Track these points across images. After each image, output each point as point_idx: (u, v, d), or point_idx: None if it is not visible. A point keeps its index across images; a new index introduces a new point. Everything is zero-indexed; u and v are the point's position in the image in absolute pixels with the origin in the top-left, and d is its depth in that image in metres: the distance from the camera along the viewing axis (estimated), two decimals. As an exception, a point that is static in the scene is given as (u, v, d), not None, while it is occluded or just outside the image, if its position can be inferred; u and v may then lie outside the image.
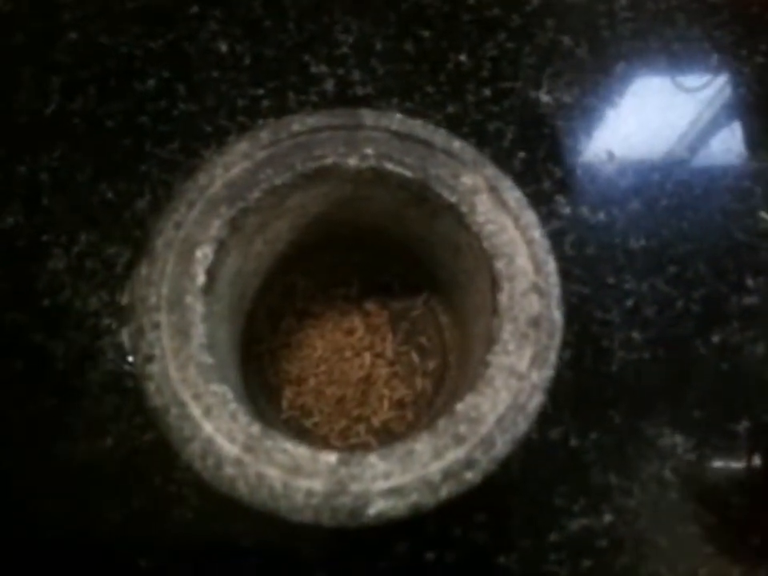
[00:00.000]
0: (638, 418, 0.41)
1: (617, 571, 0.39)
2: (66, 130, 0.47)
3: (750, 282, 0.45)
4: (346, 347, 0.38)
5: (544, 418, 0.40)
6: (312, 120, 0.31)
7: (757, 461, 0.41)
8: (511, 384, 0.28)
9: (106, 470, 0.39)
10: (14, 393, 0.40)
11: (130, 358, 0.41)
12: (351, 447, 0.36)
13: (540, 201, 0.46)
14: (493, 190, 0.31)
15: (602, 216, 0.46)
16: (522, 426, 0.27)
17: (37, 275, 0.43)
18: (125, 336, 0.41)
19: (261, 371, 0.37)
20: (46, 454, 0.39)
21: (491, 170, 0.31)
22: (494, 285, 0.29)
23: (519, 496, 0.40)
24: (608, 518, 0.39)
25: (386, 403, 0.37)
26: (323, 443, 0.36)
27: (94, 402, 0.40)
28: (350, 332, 0.38)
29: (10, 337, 0.42)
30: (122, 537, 0.38)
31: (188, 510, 0.38)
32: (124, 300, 0.42)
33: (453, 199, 0.31)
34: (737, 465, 0.41)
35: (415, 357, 0.38)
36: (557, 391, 0.41)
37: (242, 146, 0.31)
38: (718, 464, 0.41)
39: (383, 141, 0.31)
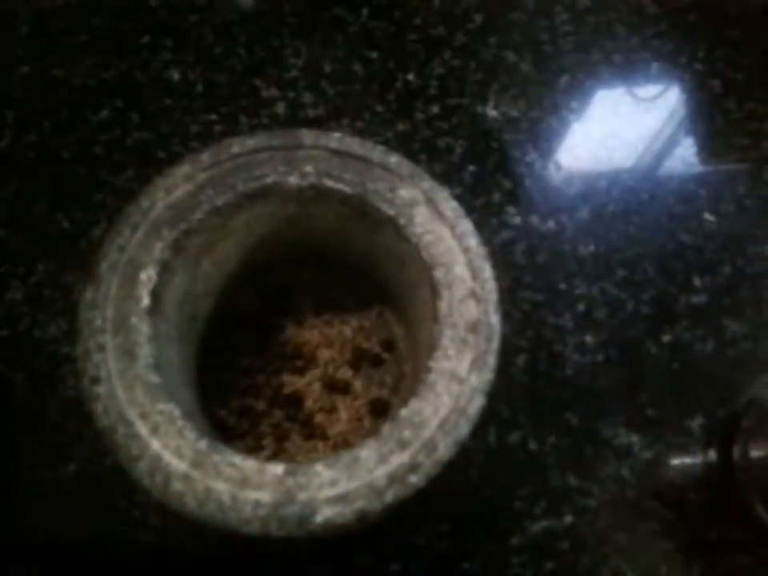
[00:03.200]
0: (593, 419, 0.42)
1: (579, 571, 0.39)
2: (20, 163, 0.48)
3: (697, 282, 0.46)
4: (300, 363, 0.38)
5: (502, 423, 0.42)
6: (252, 141, 0.32)
7: (712, 456, 0.42)
8: (452, 388, 0.28)
9: (69, 496, 0.39)
10: (-26, 423, 0.41)
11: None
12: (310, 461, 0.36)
13: (491, 212, 0.48)
14: (430, 201, 0.32)
15: (551, 224, 0.48)
16: (464, 428, 0.28)
17: (-5, 306, 0.43)
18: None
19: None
20: (8, 481, 0.39)
21: (428, 183, 0.32)
22: (434, 293, 0.30)
23: (480, 501, 0.41)
24: (569, 518, 0.40)
25: (343, 415, 0.38)
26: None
27: (56, 428, 0.41)
28: (306, 347, 0.38)
29: (-31, 368, 0.42)
30: (87, 560, 0.38)
31: (152, 533, 0.39)
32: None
33: (391, 212, 0.32)
34: (692, 461, 0.42)
35: (371, 369, 0.39)
36: (513, 396, 0.43)
37: (184, 168, 0.32)
38: (673, 461, 0.42)
39: (322, 159, 0.32)
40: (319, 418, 0.37)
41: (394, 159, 0.33)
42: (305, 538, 0.28)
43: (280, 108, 0.50)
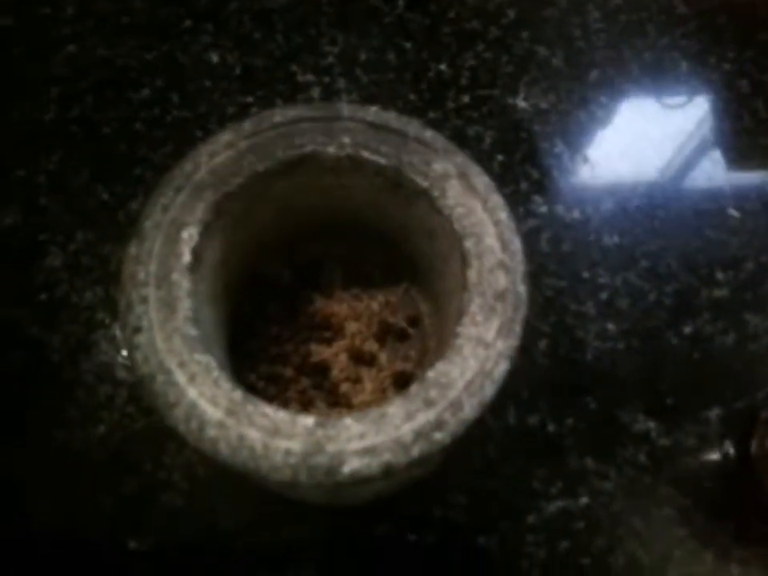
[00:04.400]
0: (612, 404, 0.43)
1: (594, 552, 0.40)
2: (63, 137, 0.49)
3: (719, 276, 0.47)
4: (328, 334, 0.39)
5: (522, 405, 0.42)
6: (292, 112, 0.34)
7: (728, 447, 0.42)
8: (479, 352, 0.29)
9: (98, 457, 0.41)
10: (11, 383, 0.42)
11: (124, 351, 0.43)
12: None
13: (518, 201, 0.49)
14: (462, 175, 0.33)
15: (576, 214, 0.48)
16: (489, 390, 0.29)
17: (34, 272, 0.45)
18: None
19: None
20: (42, 441, 0.41)
21: (461, 158, 0.33)
22: (464, 262, 0.31)
23: (498, 479, 0.41)
24: (584, 500, 0.41)
25: (368, 386, 0.38)
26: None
27: (88, 391, 0.42)
28: (334, 318, 0.39)
29: (8, 330, 0.43)
30: (112, 520, 0.39)
31: (177, 495, 0.40)
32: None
33: (425, 184, 0.33)
34: (709, 450, 0.43)
35: (396, 343, 0.40)
36: (534, 379, 0.43)
37: (226, 135, 0.33)
38: (690, 449, 0.42)
39: (360, 131, 0.34)
40: (344, 387, 0.38)
41: (428, 134, 0.34)
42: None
43: (315, 93, 0.51)
